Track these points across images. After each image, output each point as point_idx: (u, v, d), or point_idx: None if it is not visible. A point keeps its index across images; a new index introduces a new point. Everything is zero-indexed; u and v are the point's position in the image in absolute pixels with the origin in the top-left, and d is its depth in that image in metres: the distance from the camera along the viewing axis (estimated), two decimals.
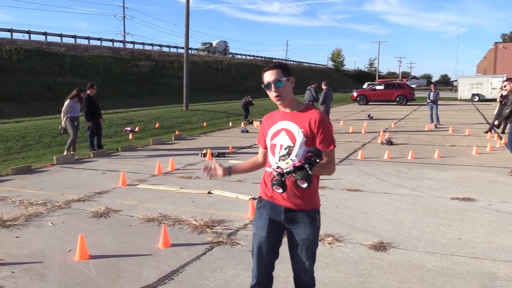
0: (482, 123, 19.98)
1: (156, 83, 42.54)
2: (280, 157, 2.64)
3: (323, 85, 16.70)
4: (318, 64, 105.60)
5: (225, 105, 31.82)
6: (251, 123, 20.07)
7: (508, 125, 10.38)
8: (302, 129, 2.76)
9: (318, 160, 2.54)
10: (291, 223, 2.87)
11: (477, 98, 40.09)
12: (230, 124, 19.79)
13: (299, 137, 2.66)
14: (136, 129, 17.32)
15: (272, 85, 2.81)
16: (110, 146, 13.07)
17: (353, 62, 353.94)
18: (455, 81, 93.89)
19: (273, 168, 2.66)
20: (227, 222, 5.87)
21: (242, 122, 19.89)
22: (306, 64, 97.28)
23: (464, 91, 41.06)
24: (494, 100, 39.10)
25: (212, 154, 10.98)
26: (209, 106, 30.21)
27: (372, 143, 13.66)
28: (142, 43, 53.99)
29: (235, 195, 7.23)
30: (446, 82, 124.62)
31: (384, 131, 16.00)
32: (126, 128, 17.10)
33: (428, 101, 19.15)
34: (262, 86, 2.87)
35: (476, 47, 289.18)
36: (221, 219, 6.00)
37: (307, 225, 2.85)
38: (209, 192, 7.46)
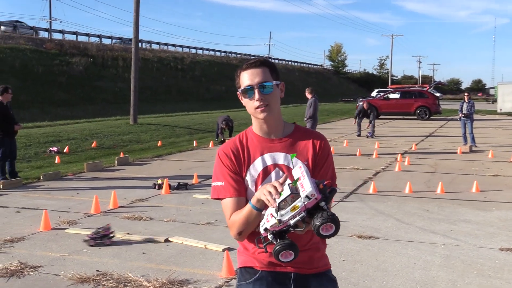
0: None
1: (93, 88, 42.28)
2: (279, 205, 2.33)
3: (308, 93, 16.68)
4: (311, 64, 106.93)
5: (187, 117, 31.69)
6: (223, 142, 19.87)
7: None
8: (305, 162, 2.64)
9: (332, 194, 2.35)
10: None
11: None
12: (194, 143, 19.66)
13: (299, 165, 2.46)
14: (65, 150, 17.01)
15: (256, 90, 2.58)
16: (28, 174, 12.75)
17: (358, 61, 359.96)
18: (492, 88, 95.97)
19: (264, 229, 2.39)
20: (192, 283, 5.69)
21: (211, 141, 19.76)
22: (296, 64, 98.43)
23: (506, 101, 41.83)
24: None
25: (170, 186, 10.80)
26: (166, 118, 30.04)
27: (387, 171, 13.64)
28: (74, 33, 53.80)
29: (203, 244, 7.06)
30: (480, 90, 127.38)
31: (402, 155, 16.04)
32: (51, 149, 16.76)
33: (461, 115, 19.33)
34: (238, 91, 2.67)
35: None
36: (184, 278, 5.82)
37: None
38: (167, 240, 7.28)
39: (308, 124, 16.22)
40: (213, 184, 2.70)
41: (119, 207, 9.32)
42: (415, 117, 35.35)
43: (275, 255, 2.36)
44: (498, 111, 42.61)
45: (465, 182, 11.86)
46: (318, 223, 2.24)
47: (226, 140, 18.86)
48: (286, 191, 2.32)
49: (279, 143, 2.67)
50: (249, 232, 2.59)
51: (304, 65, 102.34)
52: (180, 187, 10.99)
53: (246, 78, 2.60)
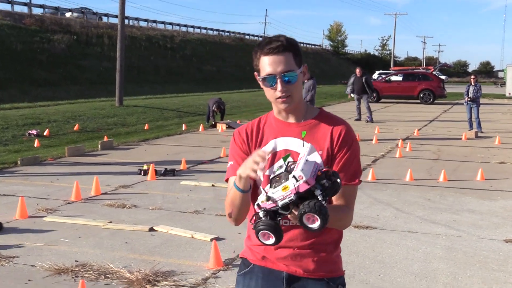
0: None
1: (76, 67, 42.05)
2: (271, 180, 2.31)
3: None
4: (310, 44, 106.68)
5: (176, 99, 31.63)
6: (214, 125, 19.90)
7: None
8: (320, 152, 2.51)
9: (334, 185, 2.22)
10: None
11: None
12: (184, 127, 19.62)
13: (306, 147, 2.35)
14: (45, 133, 16.94)
15: (279, 81, 2.47)
16: (5, 158, 12.70)
17: (359, 42, 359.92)
18: (501, 71, 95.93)
19: (257, 204, 2.32)
20: (177, 275, 5.69)
21: (201, 125, 19.73)
22: None
23: None
24: None
25: (156, 172, 10.78)
26: (153, 100, 29.98)
27: (387, 157, 13.66)
28: (56, 8, 53.37)
29: (190, 233, 7.06)
30: (488, 73, 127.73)
31: (404, 140, 16.05)
32: (30, 132, 16.70)
33: (466, 99, 19.34)
34: (258, 78, 2.55)
35: None
36: (169, 270, 5.82)
37: None
38: (151, 229, 7.27)
39: None
40: (227, 166, 2.66)
41: (102, 194, 9.29)
42: (418, 100, 35.33)
43: (256, 231, 2.30)
44: (507, 95, 42.62)
45: (470, 169, 11.88)
46: (302, 211, 2.18)
47: (217, 124, 18.75)
48: (282, 168, 2.27)
49: (296, 128, 2.58)
50: (242, 217, 2.55)
51: (302, 45, 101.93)
52: (167, 173, 10.97)
53: (267, 65, 2.48)
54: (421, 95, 35.42)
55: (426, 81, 36.11)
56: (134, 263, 5.99)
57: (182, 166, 11.73)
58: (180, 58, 57.28)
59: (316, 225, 2.20)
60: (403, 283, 5.58)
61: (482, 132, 18.77)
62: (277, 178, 2.26)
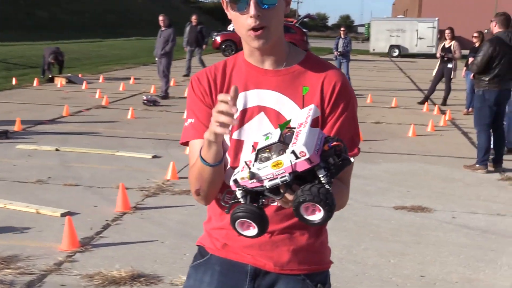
0: (412, 89, 21.44)
1: None
2: (257, 152, 1.87)
3: (163, 22, 16.48)
4: None
5: (2, 48, 29.99)
6: (52, 80, 19.06)
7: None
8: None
9: (343, 165, 1.82)
10: None
11: (397, 52, 43.01)
12: (14, 81, 18.82)
13: (306, 110, 1.92)
14: None
15: (252, 2, 1.99)
16: None
17: None
18: (362, 25, 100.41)
19: (233, 180, 1.91)
20: (23, 260, 5.28)
21: (36, 79, 18.77)
22: None
23: (380, 40, 43.87)
24: (420, 55, 42.46)
25: None
26: None
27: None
28: None
29: (34, 208, 6.64)
30: (348, 27, 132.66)
31: None
32: None
33: (336, 53, 19.74)
34: (225, 1, 2.07)
35: None
36: (12, 254, 5.39)
37: None
38: None
39: (163, 62, 16.31)
40: (184, 124, 2.22)
41: None
42: None
43: (232, 220, 1.88)
44: (371, 51, 44.62)
45: None
46: (301, 199, 1.77)
47: (55, 78, 17.88)
48: (274, 137, 1.86)
49: (274, 77, 2.15)
50: (214, 193, 2.15)
51: None
52: None
53: None
54: None
55: (289, 34, 36.70)
56: None
57: (16, 127, 11.08)
58: (5, 1, 54.50)
59: (317, 217, 1.80)
60: None
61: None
62: (267, 150, 1.84)
